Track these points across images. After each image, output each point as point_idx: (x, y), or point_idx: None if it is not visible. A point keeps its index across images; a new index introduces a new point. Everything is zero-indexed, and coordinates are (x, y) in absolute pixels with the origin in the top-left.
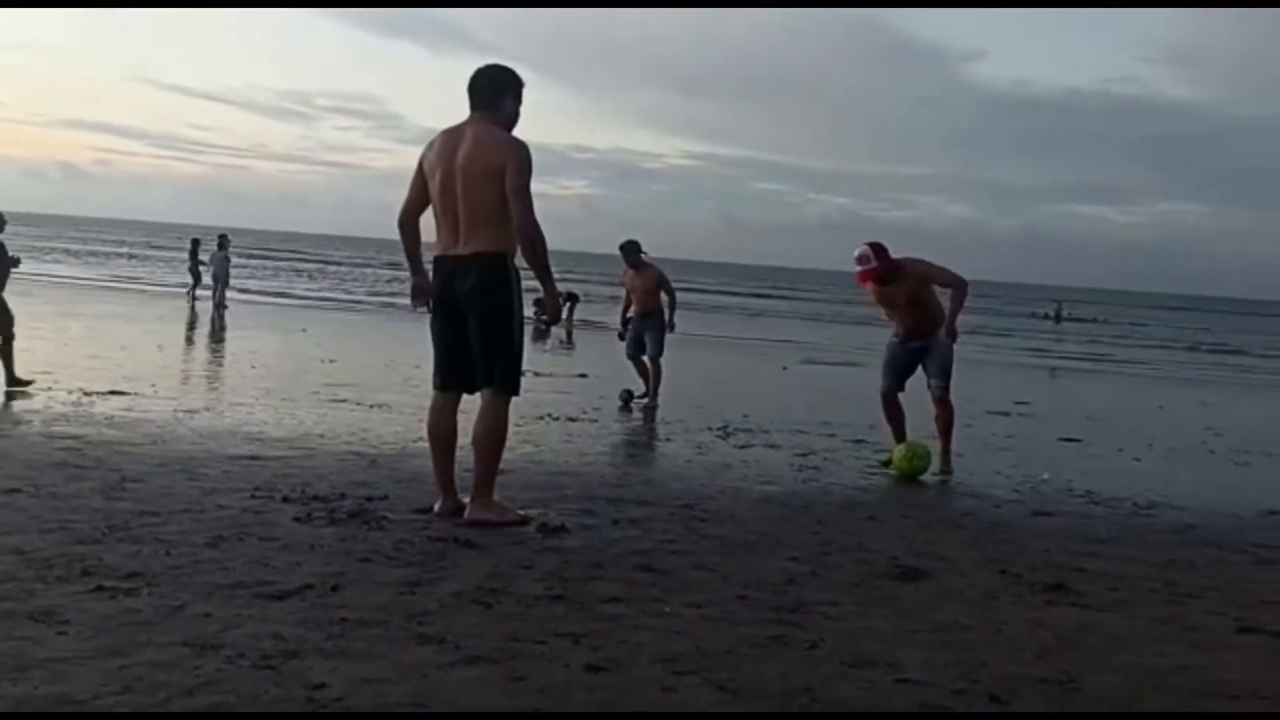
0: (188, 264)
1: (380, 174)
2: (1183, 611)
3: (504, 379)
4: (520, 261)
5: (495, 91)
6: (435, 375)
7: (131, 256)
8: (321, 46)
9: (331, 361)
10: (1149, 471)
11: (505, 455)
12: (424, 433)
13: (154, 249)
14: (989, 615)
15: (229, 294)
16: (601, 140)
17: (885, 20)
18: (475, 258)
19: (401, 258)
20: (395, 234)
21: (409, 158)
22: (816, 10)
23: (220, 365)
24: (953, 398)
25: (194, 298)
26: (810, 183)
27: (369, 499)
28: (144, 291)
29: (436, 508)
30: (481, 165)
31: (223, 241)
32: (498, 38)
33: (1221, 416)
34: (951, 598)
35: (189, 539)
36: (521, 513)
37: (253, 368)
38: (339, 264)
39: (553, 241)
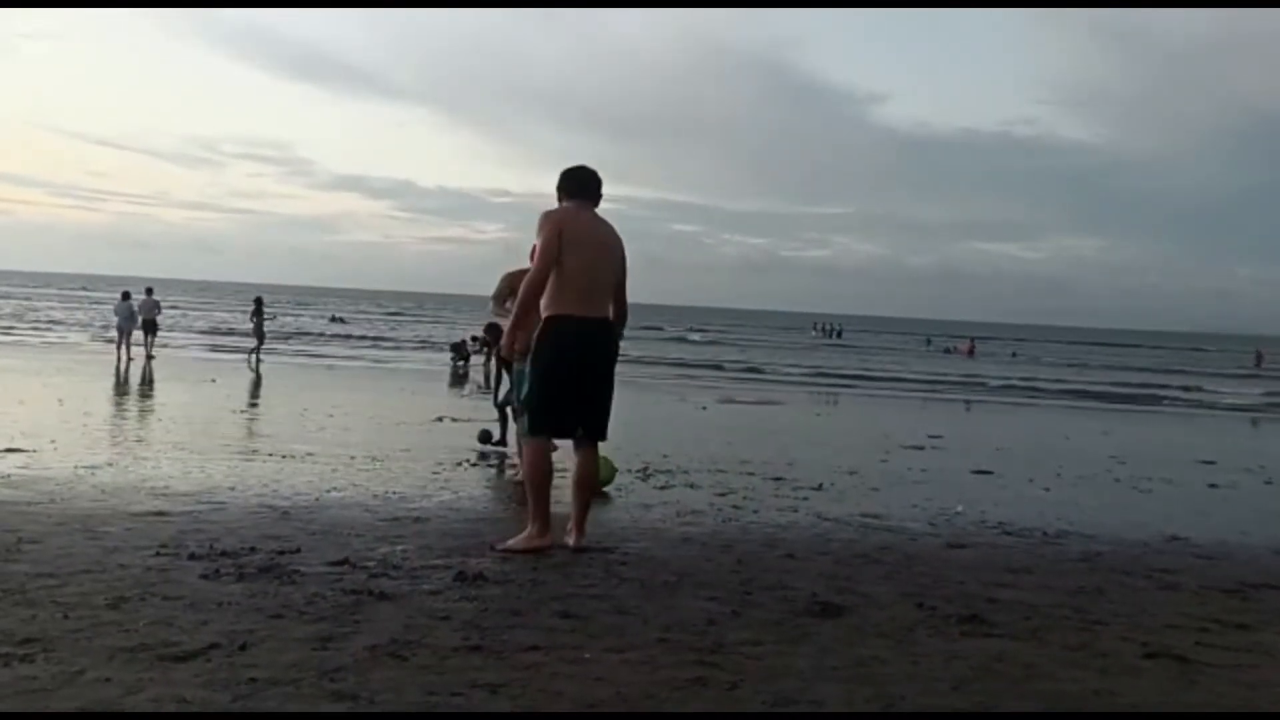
0: (252, 323)
1: (295, 220)
2: (1093, 638)
3: (605, 427)
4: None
5: (599, 189)
6: (553, 420)
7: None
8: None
9: (242, 412)
10: (1057, 500)
11: (423, 504)
12: (337, 482)
13: (55, 301)
14: (907, 648)
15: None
16: (517, 183)
17: (792, 62)
18: (606, 323)
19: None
20: (308, 281)
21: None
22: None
23: (125, 418)
24: (868, 430)
25: (258, 359)
26: (726, 224)
27: (280, 552)
28: (45, 344)
29: (572, 541)
30: (618, 253)
31: (126, 295)
32: (405, 80)
33: (1123, 445)
34: (870, 632)
35: (89, 601)
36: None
37: (159, 420)
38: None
39: (479, 285)
